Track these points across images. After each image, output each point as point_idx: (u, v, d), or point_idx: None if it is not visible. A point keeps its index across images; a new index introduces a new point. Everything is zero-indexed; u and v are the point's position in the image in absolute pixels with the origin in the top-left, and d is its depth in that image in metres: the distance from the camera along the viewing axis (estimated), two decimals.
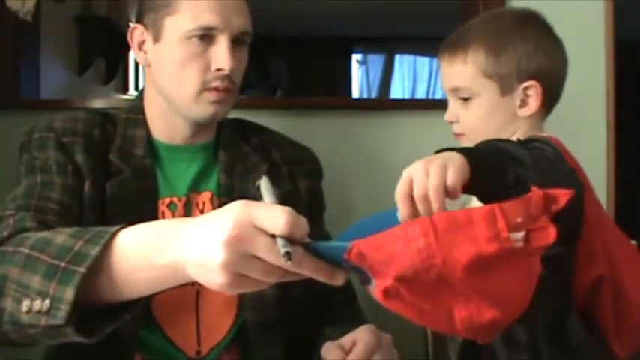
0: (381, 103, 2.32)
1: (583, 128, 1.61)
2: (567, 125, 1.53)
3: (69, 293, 0.65)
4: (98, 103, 1.61)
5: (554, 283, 1.00)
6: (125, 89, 3.58)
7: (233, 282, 0.59)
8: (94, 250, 0.67)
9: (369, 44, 5.94)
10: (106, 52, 3.02)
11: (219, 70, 1.02)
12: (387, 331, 0.99)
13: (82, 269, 0.66)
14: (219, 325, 1.05)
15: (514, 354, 0.98)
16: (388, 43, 5.81)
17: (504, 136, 1.09)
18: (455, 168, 0.74)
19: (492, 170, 0.81)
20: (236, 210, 0.59)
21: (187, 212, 1.04)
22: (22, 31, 1.57)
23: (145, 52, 1.07)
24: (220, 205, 1.05)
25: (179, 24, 1.02)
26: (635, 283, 0.99)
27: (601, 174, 1.62)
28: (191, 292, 1.04)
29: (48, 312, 0.66)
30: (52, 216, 0.92)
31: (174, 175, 1.06)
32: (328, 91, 5.13)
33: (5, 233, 0.81)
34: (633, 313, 0.97)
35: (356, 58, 6.03)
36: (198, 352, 1.04)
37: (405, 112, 1.65)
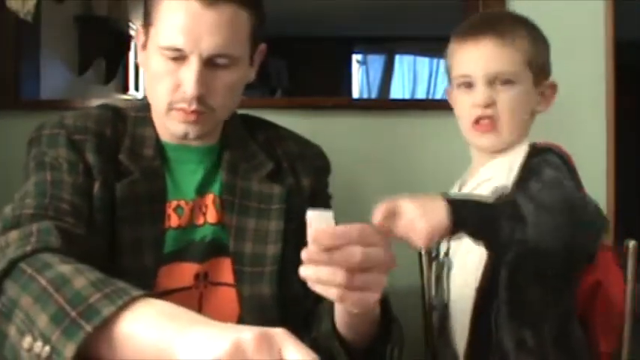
0: (381, 103, 2.32)
1: (583, 128, 1.61)
2: (567, 125, 1.53)
3: (69, 349, 0.64)
4: (98, 103, 1.60)
5: (566, 292, 1.07)
6: (125, 89, 3.58)
7: None
8: (107, 310, 0.65)
9: (369, 44, 5.93)
10: (106, 52, 3.02)
11: (185, 92, 0.96)
12: None
13: (89, 328, 0.65)
14: None
15: (522, 356, 1.02)
16: (388, 43, 5.81)
17: (522, 132, 1.12)
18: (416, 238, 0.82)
19: (481, 229, 0.86)
20: (239, 335, 0.59)
21: (193, 217, 1.03)
22: (22, 31, 1.57)
23: (141, 56, 1.06)
24: (222, 205, 1.04)
25: (154, 36, 0.98)
26: (617, 288, 1.12)
27: (601, 174, 1.62)
28: (194, 295, 1.03)
29: (46, 359, 0.65)
30: (69, 218, 0.90)
31: (181, 177, 1.04)
32: (328, 91, 5.12)
33: (29, 248, 0.78)
34: (616, 314, 1.11)
35: (356, 58, 6.03)
36: None
37: (405, 112, 1.65)
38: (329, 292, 0.74)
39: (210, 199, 1.06)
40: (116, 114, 1.06)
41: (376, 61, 6.00)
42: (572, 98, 1.55)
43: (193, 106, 0.97)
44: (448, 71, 1.19)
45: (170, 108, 0.99)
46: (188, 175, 1.04)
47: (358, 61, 6.04)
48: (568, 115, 1.54)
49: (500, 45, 1.09)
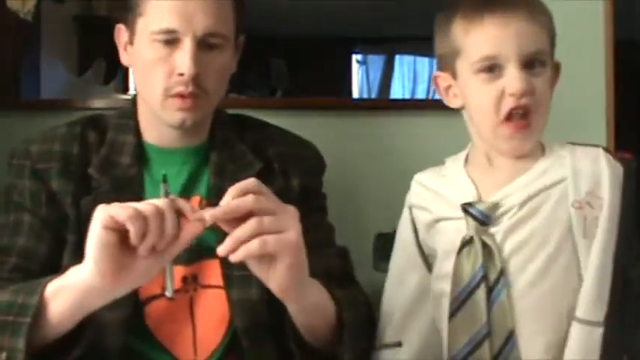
0: (381, 103, 2.32)
1: (583, 128, 1.61)
2: (567, 125, 1.53)
3: (21, 343, 0.81)
4: (98, 103, 1.60)
5: None
6: (125, 89, 3.57)
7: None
8: (34, 300, 0.83)
9: (369, 44, 5.92)
10: (106, 52, 3.02)
11: (181, 74, 0.97)
12: None
13: (28, 319, 0.82)
14: (213, 333, 1.04)
15: None
16: (388, 43, 5.80)
17: (545, 124, 1.00)
18: None
19: None
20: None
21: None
22: (22, 31, 1.57)
23: (128, 53, 1.07)
24: (209, 206, 1.05)
25: (146, 26, 0.99)
26: None
27: None
28: (184, 299, 1.03)
29: None
30: (15, 273, 0.99)
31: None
32: (328, 91, 5.11)
33: None
34: None
35: (356, 58, 6.02)
36: None
37: (405, 112, 1.65)
38: (251, 248, 0.80)
39: (196, 200, 1.05)
40: (89, 124, 1.08)
41: (376, 61, 5.99)
42: (572, 98, 1.55)
43: (190, 88, 0.98)
44: (449, 56, 1.02)
45: (166, 96, 1.00)
46: (172, 176, 1.03)
47: (358, 61, 6.03)
48: (568, 115, 1.54)
49: (531, 21, 0.96)
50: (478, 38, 0.96)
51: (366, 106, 1.87)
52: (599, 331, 0.91)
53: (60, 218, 1.00)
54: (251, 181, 0.83)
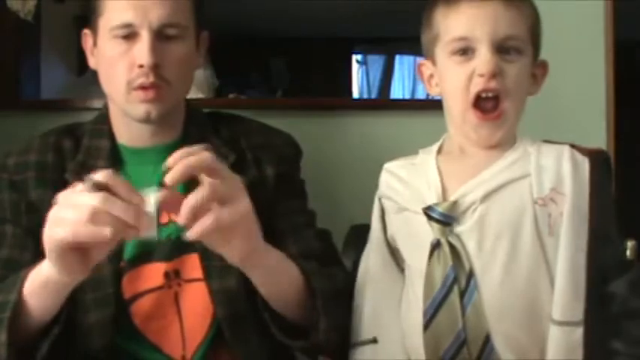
0: (381, 103, 2.32)
1: (583, 128, 1.61)
2: (567, 125, 1.53)
3: (3, 337, 0.85)
4: (98, 103, 1.60)
5: None
6: None
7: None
8: (13, 296, 0.87)
9: (369, 44, 5.92)
10: None
11: (141, 66, 1.00)
12: None
13: (7, 314, 0.86)
14: (199, 326, 1.05)
15: None
16: (388, 43, 5.80)
17: (519, 117, 0.99)
18: None
19: None
20: None
21: (157, 217, 1.04)
22: (22, 31, 1.57)
23: (94, 56, 1.10)
24: None
25: (106, 24, 1.03)
26: None
27: None
28: (169, 295, 1.04)
29: None
30: None
31: (140, 180, 1.02)
32: (328, 91, 5.11)
33: None
34: None
35: (356, 58, 6.02)
36: (183, 357, 1.04)
37: (405, 112, 1.65)
38: (206, 222, 0.80)
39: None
40: (66, 133, 1.11)
41: (376, 61, 5.99)
42: (572, 98, 1.55)
43: (151, 79, 1.01)
44: (430, 43, 1.01)
45: (129, 89, 1.02)
46: (147, 176, 1.04)
47: (358, 61, 6.03)
48: (568, 116, 1.54)
49: (507, 5, 0.94)
50: (453, 20, 0.96)
51: (366, 106, 1.87)
52: (579, 331, 0.90)
53: (41, 225, 1.00)
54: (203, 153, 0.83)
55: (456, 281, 0.93)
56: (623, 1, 1.72)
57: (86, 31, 1.10)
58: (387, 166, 1.12)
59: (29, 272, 0.89)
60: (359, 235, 1.17)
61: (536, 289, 0.92)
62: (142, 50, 1.00)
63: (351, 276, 1.10)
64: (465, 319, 0.92)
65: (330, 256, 1.13)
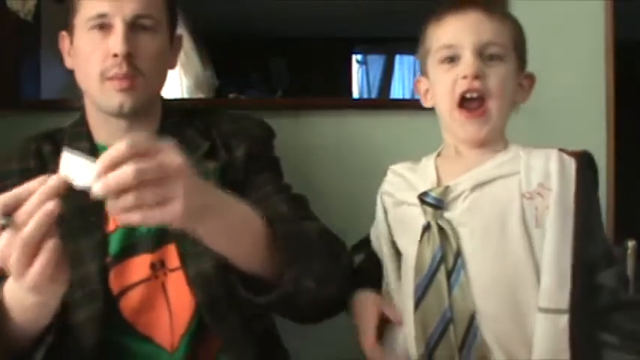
0: (381, 103, 2.32)
1: (583, 128, 1.61)
2: (567, 125, 1.53)
3: None
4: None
5: None
6: None
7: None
8: None
9: (369, 44, 5.92)
10: None
11: (115, 55, 1.03)
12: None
13: None
14: (184, 313, 1.06)
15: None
16: (388, 43, 5.79)
17: (504, 125, 1.07)
18: None
19: None
20: None
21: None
22: (22, 31, 1.57)
23: (70, 56, 1.13)
24: None
25: (81, 19, 1.07)
26: None
27: (601, 174, 1.61)
28: (157, 285, 1.05)
29: None
30: None
31: None
32: (328, 91, 5.11)
33: None
34: None
35: (356, 58, 6.02)
36: (172, 345, 1.05)
37: (405, 112, 1.66)
38: (132, 219, 0.73)
39: None
40: (46, 139, 1.12)
41: (376, 61, 5.97)
42: (572, 98, 1.55)
43: (125, 69, 1.04)
44: (423, 57, 1.10)
45: (103, 79, 1.05)
46: None
47: (358, 61, 6.03)
48: (568, 116, 1.54)
49: (489, 17, 1.04)
50: (441, 31, 1.06)
51: (366, 105, 1.87)
52: (565, 318, 0.94)
53: None
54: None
55: (443, 261, 0.99)
56: (623, 1, 1.72)
57: (63, 33, 1.13)
58: (393, 167, 1.20)
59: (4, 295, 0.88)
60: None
61: (522, 277, 0.97)
62: (115, 40, 1.03)
63: (326, 228, 1.10)
64: (452, 298, 0.97)
65: (304, 216, 1.12)
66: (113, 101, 1.06)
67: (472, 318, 0.97)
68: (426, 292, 1.00)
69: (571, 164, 1.01)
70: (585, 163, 1.02)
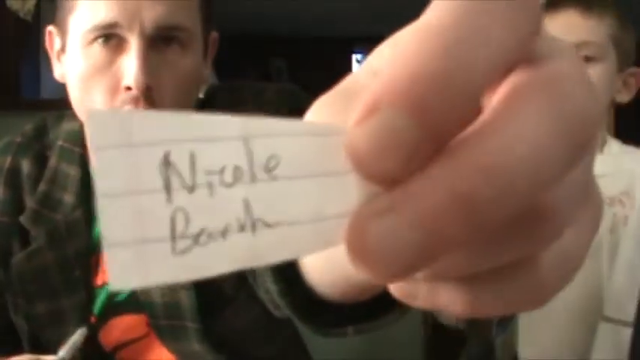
0: None
1: None
2: None
3: None
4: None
5: None
6: None
7: None
8: None
9: (369, 44, 5.92)
10: None
11: (128, 88, 0.69)
12: (382, 337, 0.98)
13: None
14: None
15: None
16: None
17: (601, 128, 1.00)
18: None
19: None
20: None
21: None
22: (22, 31, 1.57)
23: (61, 64, 0.78)
24: None
25: (78, 25, 0.71)
26: None
27: None
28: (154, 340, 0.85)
29: None
30: None
31: None
32: (328, 91, 5.12)
33: None
34: None
35: (356, 58, 6.03)
36: None
37: None
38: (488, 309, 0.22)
39: None
40: (29, 148, 0.88)
41: None
42: None
43: (141, 105, 0.71)
44: None
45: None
46: None
47: (358, 61, 6.04)
48: None
49: (586, 14, 0.95)
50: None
51: None
52: (628, 332, 0.88)
53: None
54: None
55: None
56: (623, 1, 1.72)
57: (50, 29, 0.79)
58: None
59: None
60: None
61: (591, 283, 0.92)
62: (129, 66, 0.68)
63: None
64: None
65: None
66: None
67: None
68: None
69: None
70: None
